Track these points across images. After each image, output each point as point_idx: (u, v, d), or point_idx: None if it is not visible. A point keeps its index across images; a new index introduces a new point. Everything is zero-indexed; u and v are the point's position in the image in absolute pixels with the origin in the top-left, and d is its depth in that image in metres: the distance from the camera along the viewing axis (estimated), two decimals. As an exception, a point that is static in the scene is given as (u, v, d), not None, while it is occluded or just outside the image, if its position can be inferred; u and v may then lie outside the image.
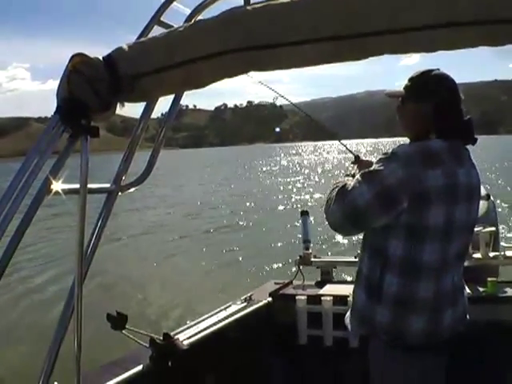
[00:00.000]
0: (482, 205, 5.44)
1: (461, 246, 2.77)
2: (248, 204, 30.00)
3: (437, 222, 2.59)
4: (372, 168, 2.64)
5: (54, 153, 2.06)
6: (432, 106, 2.75)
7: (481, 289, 5.00)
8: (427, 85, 2.80)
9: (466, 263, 3.06)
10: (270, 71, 1.89)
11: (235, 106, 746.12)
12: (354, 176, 2.86)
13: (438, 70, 2.82)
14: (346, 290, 4.93)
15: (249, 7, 1.94)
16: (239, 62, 1.87)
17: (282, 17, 1.78)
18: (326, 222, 2.76)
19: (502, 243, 5.69)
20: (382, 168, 2.59)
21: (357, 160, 3.34)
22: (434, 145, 2.67)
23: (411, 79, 2.87)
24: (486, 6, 1.61)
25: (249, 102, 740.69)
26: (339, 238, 15.92)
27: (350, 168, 3.42)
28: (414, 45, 1.75)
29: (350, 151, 3.55)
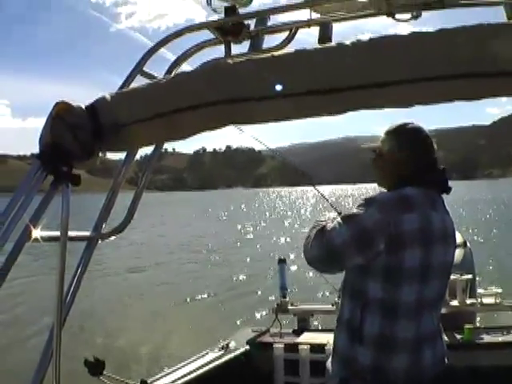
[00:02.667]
0: (459, 252, 5.48)
1: (438, 288, 2.81)
2: (222, 249, 29.80)
3: (413, 264, 2.64)
4: (351, 212, 2.71)
5: (40, 191, 2.07)
6: (408, 157, 2.83)
7: (458, 336, 5.02)
8: (403, 138, 2.88)
9: (443, 310, 3.09)
10: (250, 124, 1.92)
11: (214, 150, 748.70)
12: (340, 214, 2.92)
13: (413, 123, 2.91)
14: (324, 337, 4.94)
15: (230, 60, 1.99)
16: (220, 116, 1.90)
17: (262, 71, 1.82)
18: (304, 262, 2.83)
19: (479, 290, 5.69)
20: (360, 212, 2.66)
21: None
22: (410, 192, 2.74)
23: (388, 132, 2.94)
24: (461, 61, 1.67)
25: (228, 147, 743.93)
26: (316, 285, 15.86)
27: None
28: (391, 100, 1.80)
29: (332, 206, 3.59)
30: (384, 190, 2.97)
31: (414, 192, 2.74)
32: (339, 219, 2.70)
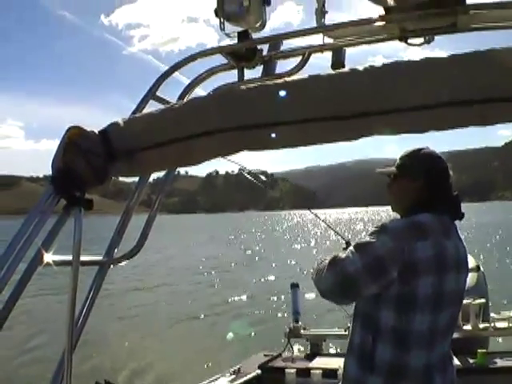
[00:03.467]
0: (472, 276, 5.43)
1: (450, 316, 2.78)
2: (235, 273, 29.69)
3: (426, 293, 2.61)
4: (364, 240, 2.69)
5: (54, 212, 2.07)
6: (422, 183, 2.82)
7: (471, 360, 4.95)
8: (418, 163, 2.87)
9: (456, 334, 3.06)
10: (265, 150, 1.91)
11: (226, 172, 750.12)
12: (347, 243, 2.90)
13: (427, 148, 2.90)
14: (336, 362, 4.88)
15: (243, 86, 1.98)
16: (233, 142, 1.90)
17: (275, 97, 1.81)
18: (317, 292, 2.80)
19: (492, 314, 5.62)
20: (373, 240, 2.64)
21: (348, 244, 3.38)
22: (423, 219, 2.72)
23: (402, 157, 2.93)
24: (476, 86, 1.66)
25: (240, 169, 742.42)
26: (329, 311, 15.77)
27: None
28: (405, 126, 1.79)
29: (342, 236, 3.58)
30: (397, 215, 2.95)
31: (428, 219, 2.72)
32: (352, 248, 2.68)
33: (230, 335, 14.29)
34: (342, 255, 2.69)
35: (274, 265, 31.53)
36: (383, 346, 2.67)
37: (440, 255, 2.64)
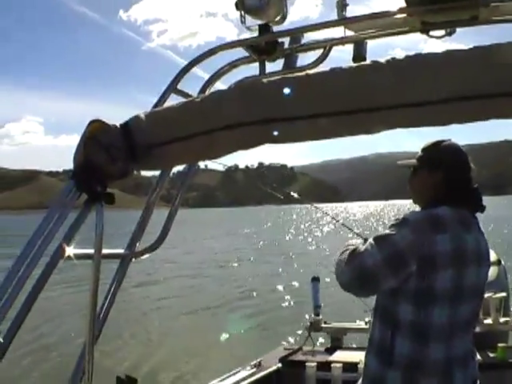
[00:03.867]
0: (493, 270, 5.40)
1: (470, 310, 2.77)
2: (257, 266, 29.71)
3: (445, 286, 2.60)
4: (384, 233, 2.69)
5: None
6: (443, 176, 2.81)
7: (491, 354, 4.94)
8: (439, 155, 2.86)
9: (476, 329, 3.04)
10: (286, 143, 1.91)
11: (246, 166, 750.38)
12: (365, 240, 2.90)
13: (449, 140, 2.89)
14: (357, 356, 4.87)
15: (264, 79, 1.98)
16: (255, 135, 1.89)
17: (299, 89, 1.81)
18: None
19: (514, 308, 5.61)
20: (393, 233, 2.64)
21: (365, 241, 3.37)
22: (443, 212, 2.71)
23: (424, 149, 2.92)
24: (501, 79, 1.64)
25: (260, 163, 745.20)
26: (349, 303, 15.72)
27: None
28: (428, 119, 1.78)
29: (358, 234, 3.56)
30: (418, 207, 2.94)
31: (448, 212, 2.71)
32: (371, 240, 2.68)
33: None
34: (362, 248, 2.68)
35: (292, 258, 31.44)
36: (402, 340, 2.66)
37: (459, 249, 2.63)
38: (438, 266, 2.58)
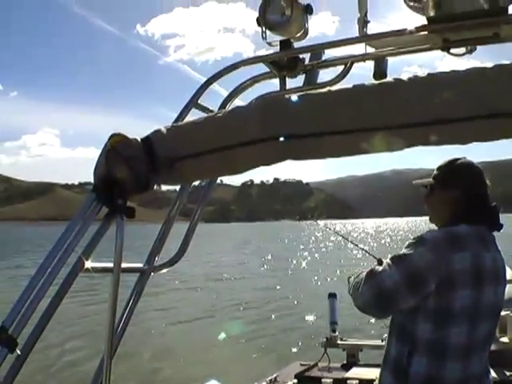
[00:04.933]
0: (510, 288, 5.37)
1: (488, 329, 2.75)
2: (272, 280, 29.67)
3: (463, 305, 2.59)
4: (401, 252, 2.68)
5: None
6: (460, 194, 2.80)
7: (508, 373, 4.88)
8: (455, 173, 2.86)
9: (493, 347, 3.02)
10: (308, 160, 1.90)
11: (262, 182, 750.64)
12: (379, 260, 2.90)
13: (465, 158, 2.89)
14: (372, 373, 4.84)
15: (285, 95, 1.98)
16: (275, 152, 1.89)
17: (320, 106, 1.81)
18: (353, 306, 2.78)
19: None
20: (411, 252, 2.63)
21: (379, 262, 3.36)
22: (461, 230, 2.70)
23: (440, 168, 2.93)
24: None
25: (275, 179, 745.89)
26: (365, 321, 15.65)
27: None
28: (449, 137, 1.77)
29: (373, 256, 3.56)
30: (435, 226, 2.94)
31: (465, 230, 2.70)
32: (389, 260, 2.67)
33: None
34: (379, 268, 2.67)
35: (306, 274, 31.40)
36: (419, 358, 2.65)
37: (478, 267, 2.62)
38: (456, 284, 2.57)
